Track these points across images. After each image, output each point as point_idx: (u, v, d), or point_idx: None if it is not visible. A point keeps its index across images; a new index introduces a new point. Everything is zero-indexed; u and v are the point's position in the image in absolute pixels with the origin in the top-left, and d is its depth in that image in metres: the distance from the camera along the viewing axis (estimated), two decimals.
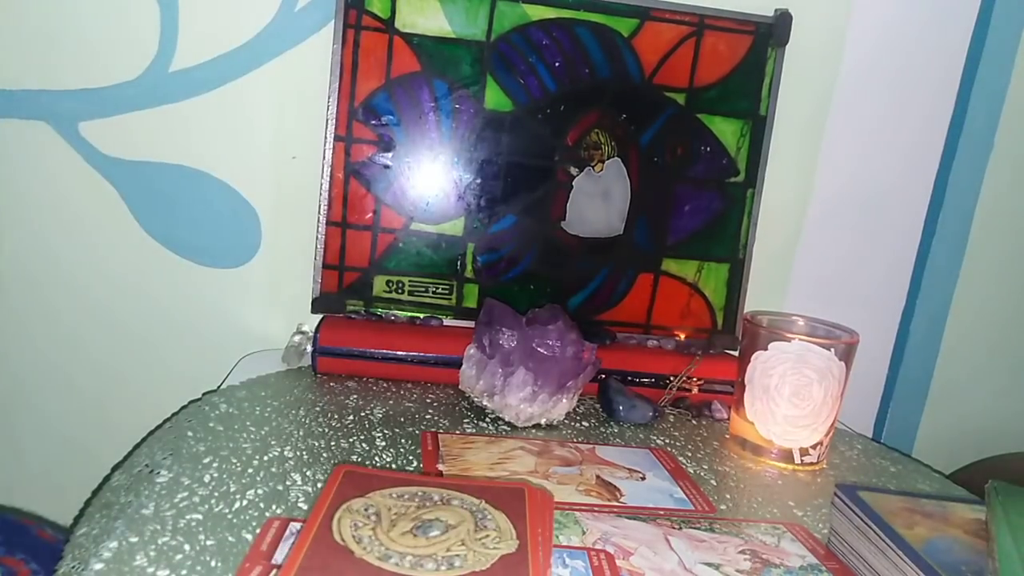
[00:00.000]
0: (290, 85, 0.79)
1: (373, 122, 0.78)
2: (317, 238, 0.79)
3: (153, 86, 0.78)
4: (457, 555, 0.39)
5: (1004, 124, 0.92)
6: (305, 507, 0.48)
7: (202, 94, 0.79)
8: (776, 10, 0.83)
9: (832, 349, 0.64)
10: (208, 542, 0.43)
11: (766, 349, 0.66)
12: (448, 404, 0.70)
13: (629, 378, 0.77)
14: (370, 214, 0.80)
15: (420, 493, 0.45)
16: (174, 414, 0.63)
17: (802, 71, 0.86)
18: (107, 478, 0.55)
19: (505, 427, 0.67)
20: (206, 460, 0.53)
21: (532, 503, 0.45)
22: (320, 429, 0.61)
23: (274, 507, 0.48)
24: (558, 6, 0.79)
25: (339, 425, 0.62)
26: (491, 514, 0.43)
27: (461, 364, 0.70)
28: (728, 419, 0.73)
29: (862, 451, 0.73)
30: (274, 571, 0.40)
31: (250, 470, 0.52)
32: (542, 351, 0.66)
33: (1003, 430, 1.04)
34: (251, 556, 0.42)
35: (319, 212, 0.79)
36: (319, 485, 0.51)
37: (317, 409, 0.65)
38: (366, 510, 0.42)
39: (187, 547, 0.43)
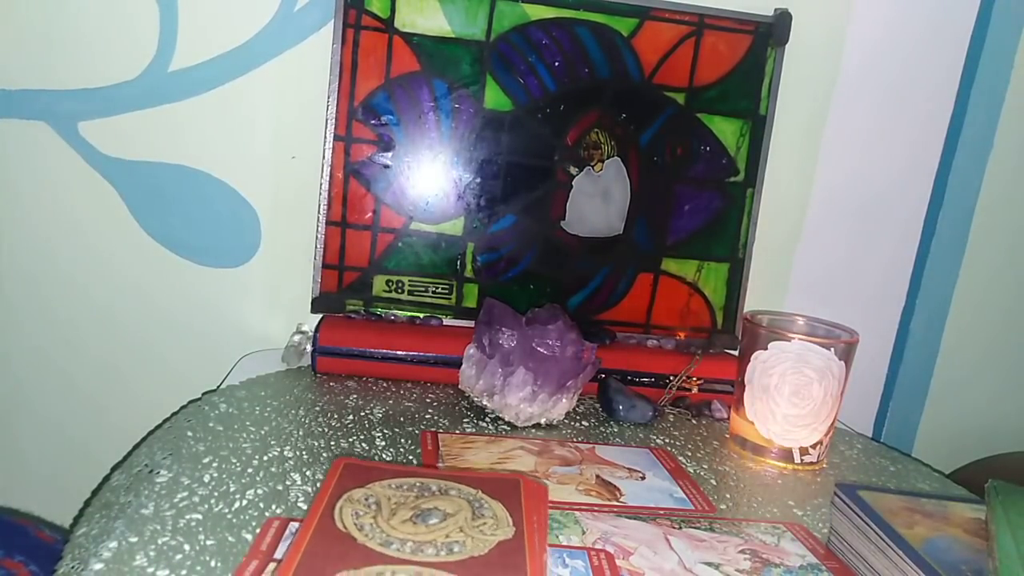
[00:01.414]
0: (290, 85, 0.79)
1: (373, 122, 0.78)
2: (317, 238, 0.79)
3: (152, 86, 0.78)
4: (456, 541, 0.40)
5: (1004, 124, 0.92)
6: (305, 507, 0.48)
7: (201, 94, 0.79)
8: (776, 10, 0.83)
9: (832, 349, 0.64)
10: (208, 542, 0.43)
11: (766, 349, 0.66)
12: (448, 404, 0.70)
13: (629, 378, 0.76)
14: (370, 214, 0.80)
15: (418, 484, 0.46)
16: (173, 414, 0.63)
17: (802, 71, 0.86)
18: (107, 478, 0.54)
19: (505, 427, 0.67)
20: (206, 460, 0.53)
21: (527, 493, 0.46)
22: (320, 429, 0.61)
23: (274, 507, 0.48)
24: (558, 6, 0.79)
25: (339, 425, 0.62)
26: (488, 503, 0.44)
27: (461, 364, 0.70)
28: (728, 419, 0.73)
29: (862, 451, 0.73)
30: (272, 564, 0.40)
31: (250, 470, 0.52)
32: (542, 351, 0.66)
33: (1003, 430, 1.04)
34: (251, 556, 0.42)
35: (319, 212, 0.79)
36: (319, 485, 0.51)
37: (317, 409, 0.65)
38: (366, 500, 0.43)
39: (187, 547, 0.43)
